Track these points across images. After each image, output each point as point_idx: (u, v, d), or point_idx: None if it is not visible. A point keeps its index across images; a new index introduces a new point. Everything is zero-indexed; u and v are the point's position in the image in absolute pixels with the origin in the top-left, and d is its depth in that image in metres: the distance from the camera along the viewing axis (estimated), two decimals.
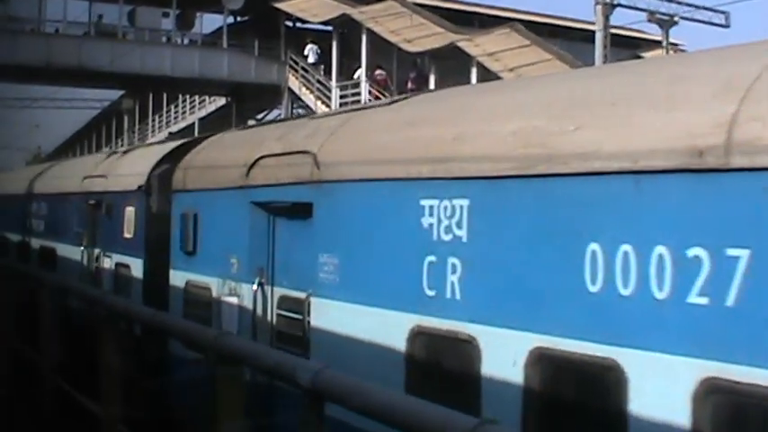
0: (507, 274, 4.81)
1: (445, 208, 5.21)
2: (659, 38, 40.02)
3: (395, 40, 31.83)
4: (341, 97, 34.56)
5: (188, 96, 48.21)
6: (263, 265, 7.39)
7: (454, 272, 5.12)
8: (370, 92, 33.10)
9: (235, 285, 7.62)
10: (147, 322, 5.60)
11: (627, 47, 35.66)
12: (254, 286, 7.33)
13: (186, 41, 39.96)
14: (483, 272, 4.96)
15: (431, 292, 5.27)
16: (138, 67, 35.30)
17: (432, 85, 30.38)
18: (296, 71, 37.13)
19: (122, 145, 58.81)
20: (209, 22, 46.26)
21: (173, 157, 9.98)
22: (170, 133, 43.70)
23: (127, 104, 53.89)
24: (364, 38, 33.79)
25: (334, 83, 35.07)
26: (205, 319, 7.97)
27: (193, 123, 46.64)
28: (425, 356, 5.45)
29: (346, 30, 35.68)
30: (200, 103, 46.71)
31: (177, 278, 8.72)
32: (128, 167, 10.99)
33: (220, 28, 38.93)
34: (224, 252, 7.80)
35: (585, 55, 28.74)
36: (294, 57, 37.26)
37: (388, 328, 5.62)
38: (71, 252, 12.78)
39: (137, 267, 10.09)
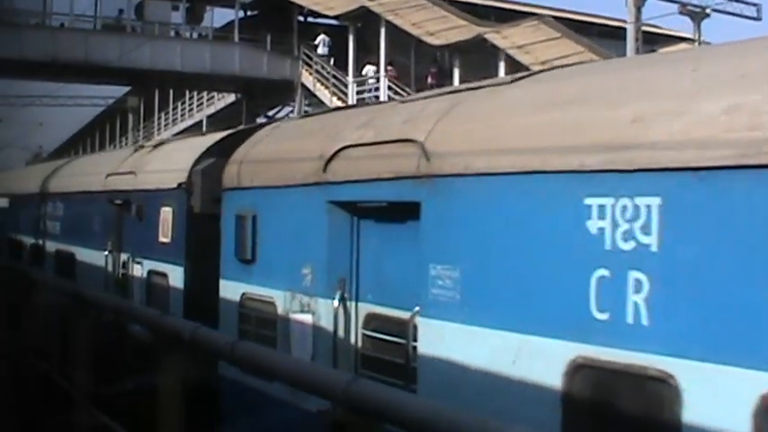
0: (725, 294, 3.60)
1: (624, 208, 4.00)
2: (679, 33, 38.85)
3: (417, 32, 30.61)
4: (357, 93, 33.34)
5: (196, 93, 46.96)
6: (345, 276, 6.18)
7: (639, 290, 3.91)
8: (390, 87, 31.89)
9: (308, 300, 6.39)
10: (227, 355, 4.39)
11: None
12: (335, 302, 6.12)
13: (195, 36, 38.65)
14: (687, 290, 3.75)
15: (601, 316, 4.07)
16: (148, 62, 34.05)
17: (455, 80, 29.14)
18: (310, 66, 35.88)
19: (126, 144, 57.68)
20: (218, 16, 44.95)
21: (219, 151, 8.77)
22: (187, 131, 42.51)
23: (132, 102, 52.85)
24: (383, 31, 32.55)
25: (350, 78, 33.83)
26: (268, 339, 6.76)
27: (201, 121, 45.38)
28: (592, 396, 4.24)
29: (362, 23, 34.41)
30: (208, 100, 45.45)
31: (230, 290, 7.50)
32: (162, 163, 9.77)
33: (231, 22, 37.70)
34: (293, 260, 6.58)
35: (608, 50, 27.56)
36: (308, 51, 36.01)
37: (535, 359, 4.41)
38: (93, 257, 11.56)
39: (176, 276, 8.86)
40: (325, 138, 6.51)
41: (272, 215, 6.95)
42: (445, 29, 29.37)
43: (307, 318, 6.42)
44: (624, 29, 28.26)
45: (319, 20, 38.62)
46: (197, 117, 46.56)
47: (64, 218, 13.12)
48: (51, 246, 13.65)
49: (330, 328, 6.18)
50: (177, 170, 9.01)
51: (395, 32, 32.63)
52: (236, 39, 36.29)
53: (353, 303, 6.17)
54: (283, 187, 6.78)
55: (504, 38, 26.23)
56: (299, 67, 36.43)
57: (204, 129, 43.69)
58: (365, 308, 6.09)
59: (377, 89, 32.83)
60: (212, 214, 8.67)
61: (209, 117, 44.86)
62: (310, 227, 6.41)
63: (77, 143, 72.83)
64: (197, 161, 8.82)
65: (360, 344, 6.12)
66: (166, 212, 9.17)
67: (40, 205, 14.33)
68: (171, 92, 49.98)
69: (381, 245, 5.94)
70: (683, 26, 33.74)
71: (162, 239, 9.23)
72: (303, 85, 36.39)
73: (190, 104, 47.74)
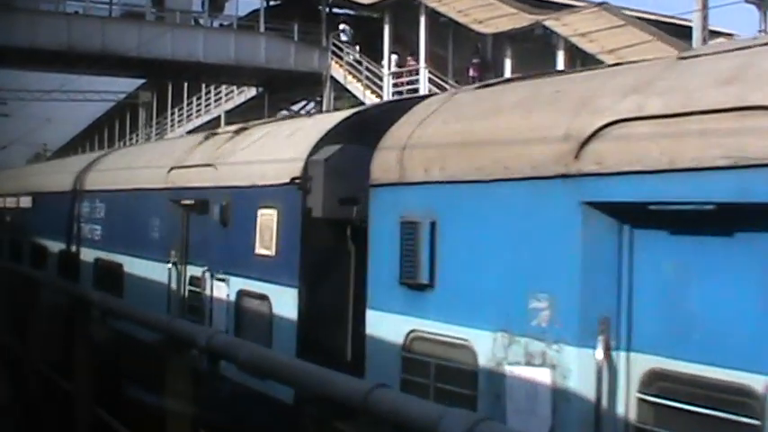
0: None
1: None
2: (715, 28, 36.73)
3: (464, 20, 28.53)
4: (394, 86, 31.25)
5: (213, 88, 44.84)
6: (611, 313, 4.12)
7: None
8: (430, 80, 29.83)
9: (542, 348, 4.33)
10: None
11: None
12: (598, 352, 4.06)
13: (215, 25, 36.51)
14: None
15: None
16: (168, 53, 31.95)
17: (508, 71, 27.08)
18: (340, 58, 33.79)
19: (138, 141, 55.59)
20: (242, 5, 42.49)
21: (345, 134, 6.72)
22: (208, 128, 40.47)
23: (144, 97, 50.79)
24: (423, 20, 30.46)
25: (386, 70, 31.72)
26: (461, 399, 4.71)
27: (218, 117, 43.26)
28: None
29: (397, 12, 32.29)
30: (226, 95, 43.32)
31: (386, 326, 5.41)
32: (257, 152, 7.67)
33: (256, 11, 35.56)
34: (511, 287, 4.51)
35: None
36: (337, 42, 33.93)
37: None
38: (149, 269, 9.47)
39: (284, 301, 6.76)
40: (567, 109, 4.44)
41: (467, 221, 4.87)
42: (495, 17, 27.29)
43: (541, 374, 4.35)
44: (677, 25, 26.38)
45: (345, 11, 36.64)
46: (214, 113, 44.42)
47: (107, 220, 11.02)
48: (88, 254, 11.53)
49: (586, 390, 4.12)
50: (286, 161, 6.92)
51: (429, 22, 30.55)
52: (262, 28, 34.20)
53: (624, 354, 4.11)
54: (489, 182, 4.71)
55: (565, 25, 24.15)
56: (327, 58, 34.34)
57: (222, 125, 41.65)
58: (645, 361, 4.04)
59: (411, 83, 30.73)
60: (337, 219, 6.64)
61: (227, 112, 42.73)
62: (547, 239, 4.33)
63: (84, 141, 70.73)
64: (314, 148, 6.74)
65: (635, 416, 4.07)
66: (267, 216, 7.08)
67: (74, 205, 12.22)
68: (185, 87, 47.93)
69: (684, 268, 3.88)
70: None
71: (261, 251, 7.14)
72: (332, 78, 34.30)
73: (207, 99, 45.60)
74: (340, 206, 6.56)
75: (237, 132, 8.63)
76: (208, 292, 8.06)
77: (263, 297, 7.07)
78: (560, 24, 24.36)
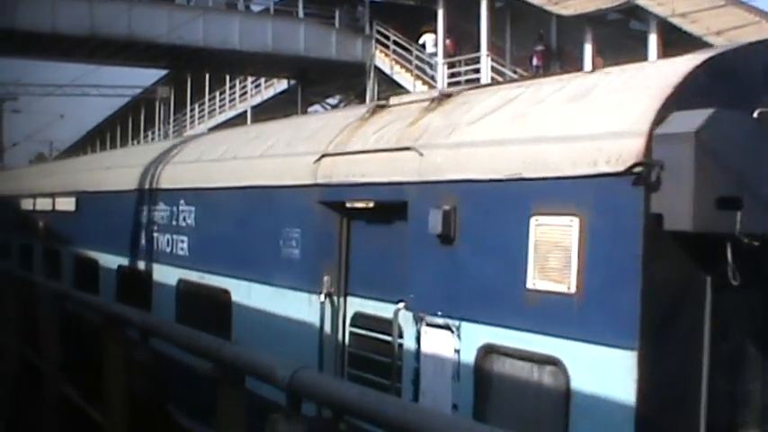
0: None
1: None
2: None
3: (539, 2, 25.66)
4: (450, 76, 28.36)
5: (238, 81, 41.98)
6: None
7: None
8: (492, 68, 26.97)
9: None
10: None
11: None
12: None
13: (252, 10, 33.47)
14: None
15: None
16: (200, 40, 29.00)
17: (587, 57, 24.22)
18: (386, 47, 30.89)
19: (153, 139, 52.69)
20: None
21: (716, 91, 3.90)
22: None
23: (162, 92, 47.89)
24: (485, 4, 27.56)
25: (440, 59, 28.82)
26: None
27: (245, 112, 40.39)
28: None
29: None
30: (254, 88, 40.43)
31: None
32: (513, 125, 4.80)
33: None
34: None
35: None
36: (383, 30, 31.04)
37: None
38: (278, 301, 6.62)
39: (602, 371, 3.91)
40: None
41: None
42: None
43: None
44: None
45: None
46: (240, 108, 41.56)
47: (199, 229, 8.07)
48: (166, 273, 8.61)
49: None
50: (597, 137, 4.07)
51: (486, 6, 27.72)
52: (301, 13, 31.28)
53: None
54: None
55: (661, 5, 21.30)
56: (371, 47, 31.44)
57: (249, 121, 38.77)
58: None
59: (469, 72, 27.83)
60: (711, 234, 3.79)
61: (254, 108, 39.88)
62: None
63: (95, 139, 67.79)
64: (661, 114, 3.88)
65: None
66: (554, 228, 4.21)
67: (142, 208, 9.32)
68: (207, 82, 45.06)
69: None
70: None
71: (540, 285, 4.27)
72: (377, 69, 31.41)
73: (231, 93, 42.73)
74: (717, 211, 3.72)
75: (438, 101, 5.73)
76: (408, 344, 5.21)
77: (550, 361, 4.21)
78: (655, 4, 21.49)
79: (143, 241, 9.25)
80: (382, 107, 6.39)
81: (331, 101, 40.84)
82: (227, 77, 42.62)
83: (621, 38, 23.46)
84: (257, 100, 39.77)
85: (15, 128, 50.17)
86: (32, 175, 15.49)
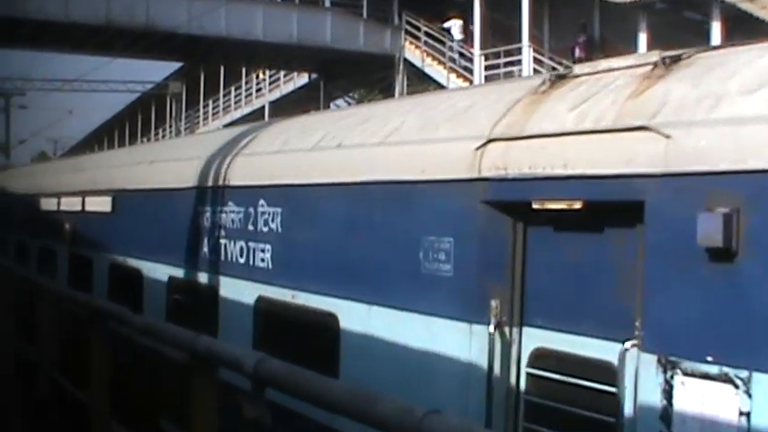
0: None
1: None
2: None
3: None
4: (486, 68, 26.76)
5: (254, 76, 40.41)
6: None
7: None
8: (534, 59, 25.37)
9: None
10: None
11: None
12: None
13: None
14: None
15: None
16: (223, 30, 27.42)
17: (642, 45, 22.62)
18: (417, 39, 29.31)
19: (166, 135, 51.08)
20: None
21: None
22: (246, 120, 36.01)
23: (174, 87, 46.30)
24: None
25: (476, 50, 27.22)
26: None
27: (262, 108, 38.83)
28: None
29: None
30: (271, 83, 38.83)
31: None
32: None
33: None
34: None
35: None
36: (413, 21, 29.46)
37: None
38: (419, 333, 5.00)
39: None
40: None
41: None
42: None
43: None
44: None
45: None
46: (256, 104, 39.99)
47: (290, 237, 6.31)
48: (243, 291, 6.84)
49: None
50: None
51: None
52: (327, 2, 29.69)
53: None
54: None
55: None
56: (401, 38, 29.86)
57: (267, 117, 37.20)
58: None
59: (507, 65, 26.23)
60: None
61: (272, 103, 38.31)
62: None
63: (102, 136, 66.22)
64: None
65: None
66: None
67: (203, 209, 7.69)
68: (222, 77, 43.51)
69: None
70: None
71: None
72: (406, 61, 29.83)
73: (248, 89, 41.14)
74: None
75: (666, 66, 4.11)
76: (645, 398, 3.63)
77: None
78: None
79: (204, 249, 7.62)
80: (563, 77, 4.77)
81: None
82: (243, 72, 41.09)
83: (681, 24, 21.89)
84: (276, 95, 38.20)
85: (23, 124, 48.57)
86: (55, 172, 13.87)
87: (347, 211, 5.76)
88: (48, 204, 13.10)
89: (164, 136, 51.40)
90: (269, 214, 6.61)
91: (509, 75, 25.27)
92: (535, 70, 24.66)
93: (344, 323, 5.62)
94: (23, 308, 10.05)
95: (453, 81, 27.13)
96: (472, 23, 28.19)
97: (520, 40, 26.29)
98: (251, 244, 6.83)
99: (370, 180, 5.52)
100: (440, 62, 28.35)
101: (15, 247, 15.23)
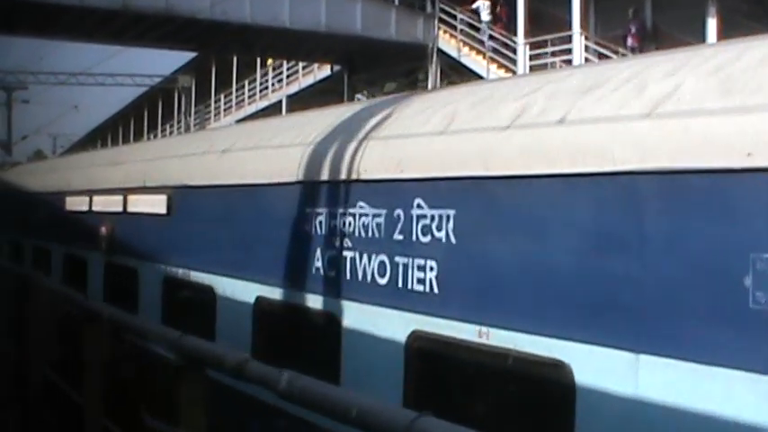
0: None
1: None
2: None
3: None
4: (531, 58, 24.86)
5: (270, 69, 38.46)
6: None
7: None
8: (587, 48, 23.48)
9: None
10: None
11: None
12: None
13: None
14: None
15: None
16: (247, 16, 25.47)
17: (711, 34, 20.74)
18: (453, 27, 27.40)
19: (173, 132, 49.12)
20: None
21: None
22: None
23: (184, 81, 44.36)
24: None
25: (520, 38, 25.30)
26: None
27: (279, 102, 36.89)
28: None
29: None
30: (289, 76, 36.86)
31: None
32: None
33: None
34: None
35: None
36: (448, 8, 27.56)
37: None
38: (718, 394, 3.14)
39: None
40: None
41: None
42: None
43: None
44: None
45: None
46: (273, 97, 38.04)
47: (472, 251, 4.31)
48: (384, 322, 4.85)
49: None
50: None
51: None
52: None
53: None
54: None
55: None
56: (434, 26, 27.96)
57: (284, 111, 35.29)
58: None
59: (554, 53, 24.33)
60: None
61: (290, 97, 36.36)
62: None
63: (105, 133, 64.17)
64: None
65: None
66: None
67: (313, 211, 5.78)
68: (234, 70, 41.58)
69: None
70: None
71: None
72: (441, 52, 27.92)
73: (263, 82, 39.16)
74: None
75: None
76: None
77: None
78: None
79: (317, 264, 5.71)
80: None
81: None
82: (258, 65, 39.17)
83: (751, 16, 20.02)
84: (294, 88, 36.23)
85: (25, 119, 46.64)
86: (85, 166, 11.92)
87: (592, 213, 3.85)
88: (75, 204, 11.19)
89: (171, 132, 49.46)
90: (433, 218, 4.71)
91: (566, 62, 23.38)
92: (587, 59, 22.78)
93: (583, 379, 3.73)
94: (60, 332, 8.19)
95: (495, 72, 25.23)
96: (502, 5, 26.31)
97: (563, 28, 24.41)
98: (399, 259, 4.93)
99: (638, 169, 3.61)
100: (478, 52, 26.44)
101: (33, 254, 13.30)
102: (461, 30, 27.04)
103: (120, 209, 9.45)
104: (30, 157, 56.03)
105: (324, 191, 5.70)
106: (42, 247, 12.74)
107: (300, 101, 33.58)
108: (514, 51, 25.25)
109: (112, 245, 9.74)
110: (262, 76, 39.05)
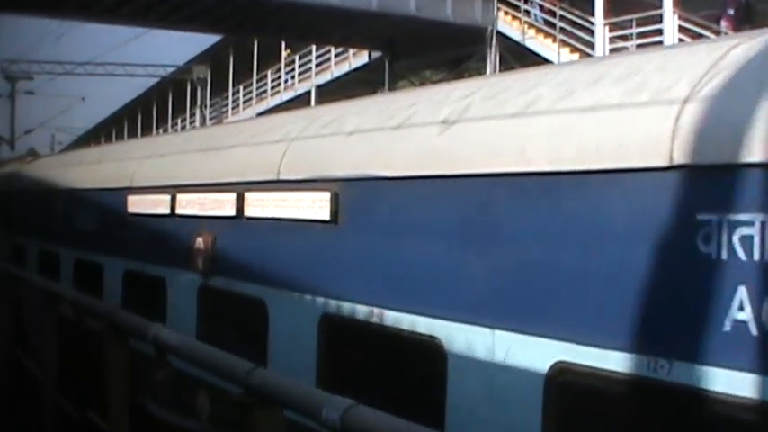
0: None
1: None
2: None
3: None
4: (611, 41, 22.12)
5: (297, 58, 35.66)
6: None
7: None
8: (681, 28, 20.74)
9: None
10: None
11: None
12: None
13: None
14: None
15: None
16: None
17: None
18: (516, 8, 24.66)
19: (187, 126, 46.19)
20: None
21: None
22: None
23: (199, 72, 41.44)
24: None
25: (598, 18, 22.52)
26: None
27: (306, 93, 34.09)
28: None
29: None
30: (319, 65, 34.03)
31: None
32: None
33: None
34: None
35: None
36: None
37: None
38: None
39: None
40: None
41: None
42: None
43: None
44: None
45: None
46: (300, 88, 35.24)
47: None
48: None
49: None
50: None
51: None
52: None
53: None
54: None
55: None
56: (493, 8, 25.19)
57: (313, 102, 32.50)
58: None
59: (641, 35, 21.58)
60: None
61: (319, 87, 33.57)
62: None
63: (110, 127, 61.14)
64: None
65: None
66: None
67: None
68: (255, 59, 38.76)
69: None
70: None
71: None
72: (500, 35, 25.16)
73: (289, 71, 36.33)
74: None
75: None
76: None
77: None
78: None
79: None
80: None
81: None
82: (283, 54, 36.39)
83: None
84: (325, 78, 33.41)
85: (30, 112, 43.76)
86: (158, 152, 8.96)
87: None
88: (144, 205, 8.35)
89: (183, 127, 46.60)
90: None
91: (642, 47, 20.65)
92: (681, 40, 20.07)
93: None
94: None
95: (566, 56, 22.50)
96: None
97: (643, 7, 21.69)
98: None
99: None
100: (546, 34, 23.69)
101: (75, 271, 10.40)
102: (526, 11, 24.30)
103: (229, 212, 6.63)
104: (22, 155, 53.04)
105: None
106: (88, 262, 9.88)
107: (331, 92, 30.82)
108: (591, 33, 22.50)
109: (214, 263, 6.91)
110: (286, 65, 36.24)
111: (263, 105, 37.38)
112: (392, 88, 28.78)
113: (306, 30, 27.13)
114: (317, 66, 33.92)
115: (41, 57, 41.84)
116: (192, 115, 44.61)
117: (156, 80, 45.26)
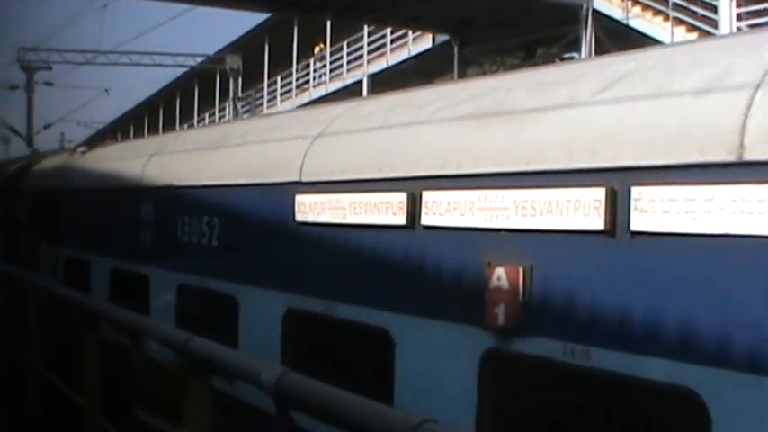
0: None
1: None
2: None
3: None
4: (739, 17, 19.08)
5: (345, 45, 32.67)
6: None
7: None
8: None
9: None
10: None
11: None
12: None
13: None
14: None
15: None
16: None
17: None
18: None
19: (215, 120, 43.24)
20: None
21: None
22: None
23: (232, 62, 38.41)
24: None
25: None
26: None
27: (357, 83, 31.09)
28: None
29: None
30: (372, 51, 31.01)
31: None
32: None
33: None
34: None
35: None
36: None
37: None
38: None
39: None
40: None
41: None
42: None
43: None
44: None
45: None
46: (348, 78, 32.26)
47: None
48: None
49: None
50: None
51: None
52: None
53: None
54: None
55: None
56: None
57: (365, 93, 29.51)
58: None
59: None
60: None
61: (372, 76, 30.58)
62: None
63: (127, 125, 58.14)
64: None
65: None
66: None
67: None
68: (294, 48, 35.80)
69: None
70: None
71: None
72: (597, 13, 22.17)
73: (336, 60, 33.33)
74: None
75: None
76: None
77: None
78: None
79: None
80: None
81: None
82: (328, 43, 33.45)
83: None
84: (380, 66, 30.40)
85: (49, 105, 40.90)
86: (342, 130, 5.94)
87: None
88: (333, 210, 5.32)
89: (212, 121, 43.66)
90: None
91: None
92: None
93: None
94: None
95: (682, 37, 19.49)
96: None
97: None
98: None
99: None
100: (656, 12, 20.68)
101: (182, 301, 7.32)
102: None
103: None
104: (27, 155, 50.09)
105: None
106: (205, 291, 6.80)
107: (384, 82, 27.82)
108: (714, 9, 19.49)
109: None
110: (335, 52, 33.26)
111: (305, 97, 34.41)
112: (461, 76, 25.78)
113: (374, 8, 24.07)
114: (371, 51, 30.88)
115: (61, 45, 38.82)
116: (223, 108, 41.65)
117: (179, 71, 42.25)
